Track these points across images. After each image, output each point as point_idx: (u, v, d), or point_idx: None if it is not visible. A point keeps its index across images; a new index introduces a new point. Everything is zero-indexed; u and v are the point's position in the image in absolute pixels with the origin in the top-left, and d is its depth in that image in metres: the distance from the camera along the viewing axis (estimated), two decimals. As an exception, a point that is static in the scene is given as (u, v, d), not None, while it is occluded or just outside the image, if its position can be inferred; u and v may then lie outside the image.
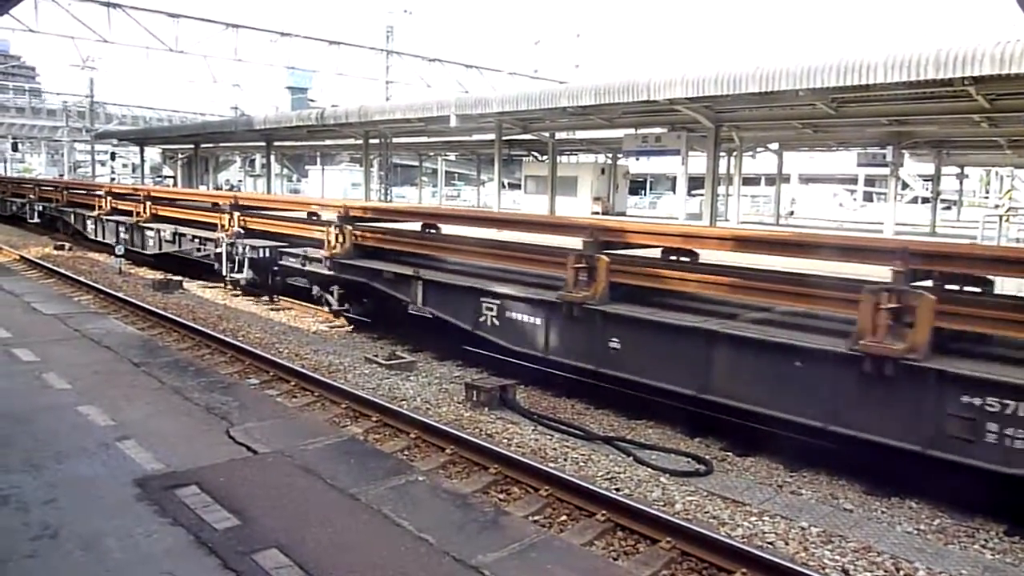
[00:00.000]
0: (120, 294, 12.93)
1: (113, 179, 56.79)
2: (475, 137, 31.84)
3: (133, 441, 5.20)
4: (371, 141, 32.26)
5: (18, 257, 17.94)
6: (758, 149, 31.61)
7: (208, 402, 6.26)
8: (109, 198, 20.26)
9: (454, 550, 3.90)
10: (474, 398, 7.85)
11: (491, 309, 8.81)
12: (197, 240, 15.16)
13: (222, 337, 9.94)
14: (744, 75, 15.23)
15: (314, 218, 13.24)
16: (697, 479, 6.17)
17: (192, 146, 46.49)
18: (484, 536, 4.13)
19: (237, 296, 14.41)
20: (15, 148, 69.22)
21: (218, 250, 13.91)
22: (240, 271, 13.43)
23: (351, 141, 36.51)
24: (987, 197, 50.77)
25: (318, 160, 58.05)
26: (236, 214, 13.97)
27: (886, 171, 24.33)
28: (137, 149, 52.12)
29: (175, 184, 53.18)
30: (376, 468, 5.04)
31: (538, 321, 8.28)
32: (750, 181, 42.01)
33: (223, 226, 14.10)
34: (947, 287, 6.15)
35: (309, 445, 5.35)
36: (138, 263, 18.20)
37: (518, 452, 6.27)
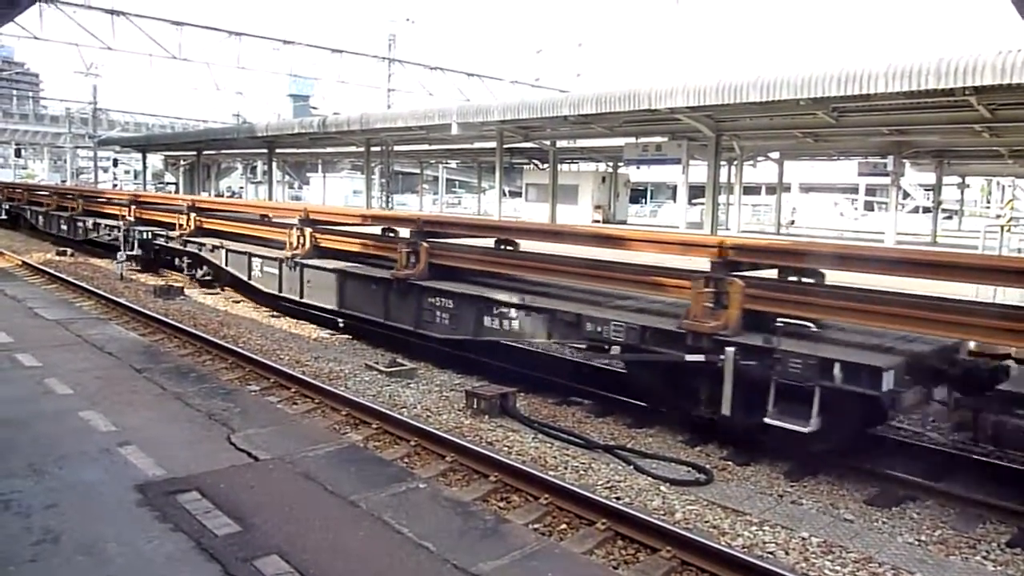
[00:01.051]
0: (122, 300, 12.96)
1: (115, 185, 56.97)
2: (476, 145, 31.90)
3: (135, 447, 5.20)
4: (373, 149, 32.36)
5: (20, 262, 17.99)
6: (759, 158, 31.69)
7: (209, 408, 6.26)
8: (55, 197, 25.10)
9: (454, 558, 3.90)
10: (475, 406, 7.86)
11: (256, 267, 13.15)
12: (108, 228, 19.13)
13: (223, 343, 9.96)
14: (745, 84, 15.28)
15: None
16: (697, 488, 6.17)
17: (194, 153, 46.62)
18: (484, 544, 4.13)
19: (238, 303, 14.44)
20: (18, 154, 69.47)
21: (118, 234, 17.76)
22: (133, 249, 17.28)
23: (353, 149, 36.62)
24: (988, 207, 50.81)
25: (320, 167, 58.14)
26: (133, 207, 18.36)
27: (887, 180, 24.38)
28: (140, 156, 52.18)
29: (176, 191, 53.39)
30: (377, 475, 5.04)
31: (276, 271, 12.49)
32: (751, 190, 42.07)
33: (123, 217, 18.21)
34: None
35: (310, 452, 5.35)
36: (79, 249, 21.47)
37: (518, 460, 6.27)
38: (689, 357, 6.82)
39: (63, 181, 59.91)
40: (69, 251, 20.95)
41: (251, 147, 41.59)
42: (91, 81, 49.56)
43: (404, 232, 11.20)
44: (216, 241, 14.40)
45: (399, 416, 7.16)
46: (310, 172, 63.22)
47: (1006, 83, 11.93)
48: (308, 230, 12.02)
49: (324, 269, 11.48)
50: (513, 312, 8.56)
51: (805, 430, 5.99)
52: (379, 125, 26.21)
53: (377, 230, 11.97)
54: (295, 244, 12.01)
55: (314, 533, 4.08)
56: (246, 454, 5.24)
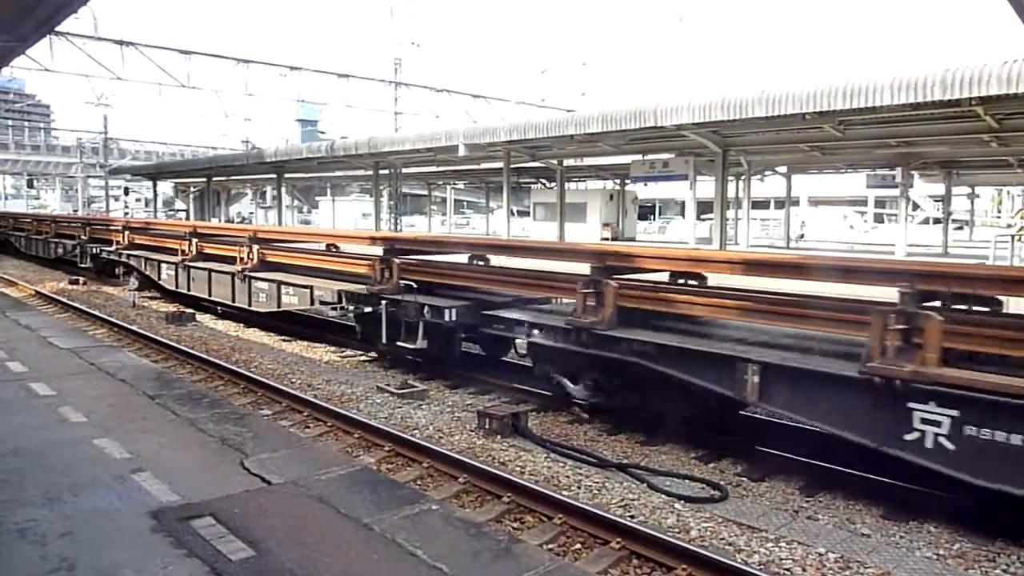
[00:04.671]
0: (134, 327, 13.04)
1: (126, 213, 57.50)
2: (484, 165, 32.09)
3: (148, 473, 5.22)
4: (381, 171, 32.58)
5: (33, 292, 18.14)
6: (766, 172, 31.70)
7: (222, 433, 6.28)
8: (11, 220, 31.89)
9: (469, 579, 3.88)
10: (486, 426, 7.84)
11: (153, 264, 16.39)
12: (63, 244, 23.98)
13: (235, 368, 9.99)
14: (750, 100, 15.35)
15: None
16: (712, 505, 6.12)
17: (204, 179, 47.08)
18: (498, 565, 4.11)
19: (250, 328, 14.50)
20: (30, 185, 70.26)
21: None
22: (85, 260, 21.72)
23: (361, 172, 36.89)
24: (999, 216, 50.59)
25: (329, 191, 58.58)
26: (87, 228, 22.75)
27: (896, 192, 24.34)
28: (150, 183, 52.75)
29: (187, 217, 53.98)
30: (389, 497, 5.03)
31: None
32: (759, 204, 42.03)
33: (80, 237, 22.42)
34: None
35: (323, 475, 5.35)
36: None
37: (531, 480, 6.25)
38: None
39: (75, 211, 60.48)
40: (81, 280, 21.12)
41: (260, 172, 41.98)
42: (101, 111, 50.21)
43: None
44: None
45: (411, 438, 7.15)
46: (319, 196, 63.67)
47: (1012, 93, 11.93)
48: (195, 241, 12.79)
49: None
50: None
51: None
52: (387, 148, 26.44)
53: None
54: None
55: (328, 557, 4.08)
56: (259, 478, 5.25)
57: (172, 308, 15.73)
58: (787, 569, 4.94)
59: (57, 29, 22.50)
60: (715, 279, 7.96)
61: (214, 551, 4.06)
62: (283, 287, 12.32)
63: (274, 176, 39.01)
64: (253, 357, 11.43)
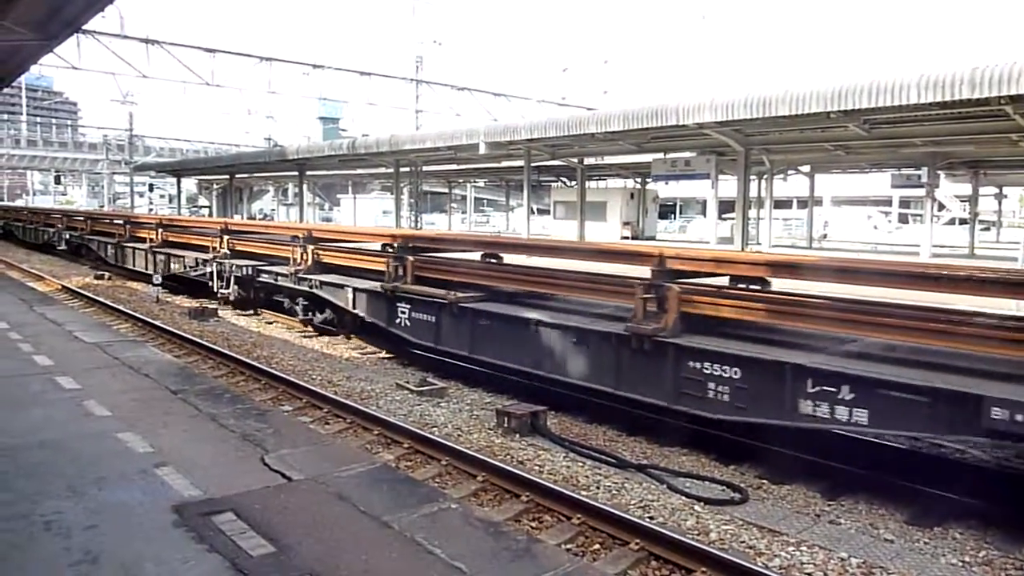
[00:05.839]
0: (157, 322, 13.18)
1: (151, 210, 58.25)
2: (504, 164, 32.02)
3: (171, 467, 5.27)
4: (402, 169, 32.65)
5: (60, 287, 18.39)
6: (789, 172, 31.36)
7: (243, 429, 6.33)
8: (12, 213, 37.44)
9: (487, 579, 3.87)
10: (505, 424, 7.84)
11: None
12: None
13: (256, 364, 10.07)
14: (773, 98, 15.18)
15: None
16: (732, 507, 6.08)
17: (227, 176, 47.48)
18: (517, 565, 4.10)
19: (271, 324, 14.61)
20: (58, 181, 71.35)
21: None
22: (61, 243, 26.65)
23: (382, 170, 36.99)
24: (1027, 217, 49.76)
25: (350, 189, 58.81)
26: (64, 219, 28.04)
27: (921, 192, 24.00)
28: (174, 180, 53.30)
29: (210, 214, 54.55)
30: (408, 495, 5.04)
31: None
32: (782, 204, 41.63)
33: (58, 226, 27.29)
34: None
35: (342, 472, 5.37)
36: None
37: (550, 480, 6.24)
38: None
39: (101, 206, 61.32)
40: (107, 275, 21.40)
41: (282, 170, 42.19)
42: (127, 109, 50.92)
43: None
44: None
45: (430, 436, 7.17)
46: (340, 194, 63.96)
47: (1042, 92, 11.70)
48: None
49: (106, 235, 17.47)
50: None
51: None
52: (408, 146, 26.47)
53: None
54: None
55: (347, 554, 4.09)
56: (279, 475, 5.28)
57: (195, 304, 15.89)
58: (808, 574, 4.89)
59: (84, 27, 22.77)
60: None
61: (235, 547, 4.09)
62: (171, 258, 18.35)
63: (296, 174, 39.22)
64: (274, 353, 11.51)
